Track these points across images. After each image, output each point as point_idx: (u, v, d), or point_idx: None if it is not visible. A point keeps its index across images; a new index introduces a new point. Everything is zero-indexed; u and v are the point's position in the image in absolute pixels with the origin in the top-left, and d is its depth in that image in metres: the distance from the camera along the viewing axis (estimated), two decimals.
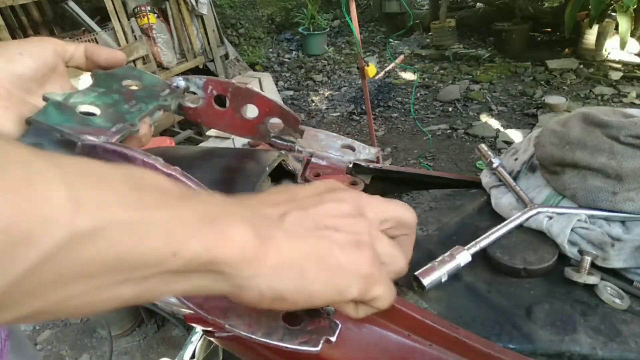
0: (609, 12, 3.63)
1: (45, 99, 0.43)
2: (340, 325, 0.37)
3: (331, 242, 0.31)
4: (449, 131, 3.16)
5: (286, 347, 0.34)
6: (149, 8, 2.94)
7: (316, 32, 4.94)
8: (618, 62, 3.64)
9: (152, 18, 2.95)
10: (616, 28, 3.46)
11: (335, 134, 0.71)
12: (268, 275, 0.28)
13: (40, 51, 0.44)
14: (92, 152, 0.40)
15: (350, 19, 1.99)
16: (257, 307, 0.30)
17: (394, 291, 0.35)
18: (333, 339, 0.36)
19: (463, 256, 0.48)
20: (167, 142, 2.08)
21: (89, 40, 2.64)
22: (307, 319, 0.37)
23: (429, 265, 0.47)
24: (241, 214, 0.28)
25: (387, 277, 0.34)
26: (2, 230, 0.18)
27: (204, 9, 3.16)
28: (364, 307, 0.34)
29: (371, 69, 2.08)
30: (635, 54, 3.67)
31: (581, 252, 0.49)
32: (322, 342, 0.35)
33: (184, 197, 0.27)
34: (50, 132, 0.43)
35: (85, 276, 0.22)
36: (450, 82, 3.88)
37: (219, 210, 0.27)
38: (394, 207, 0.37)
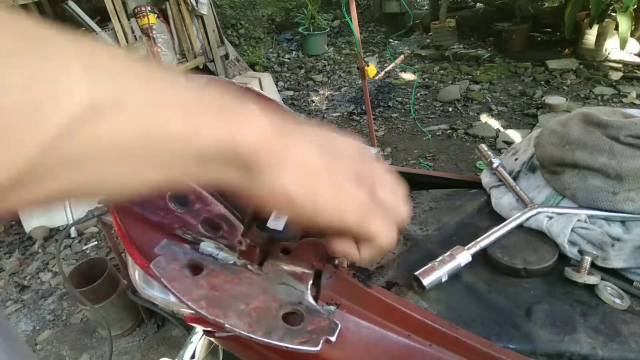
0: (609, 12, 3.63)
1: None
2: (340, 325, 0.37)
3: (340, 167, 0.32)
4: (449, 131, 3.16)
5: (286, 347, 0.34)
6: (149, 8, 2.94)
7: (316, 32, 4.94)
8: (618, 62, 3.64)
9: (152, 18, 2.95)
10: (616, 28, 3.45)
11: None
12: (282, 172, 0.29)
13: None
14: None
15: (350, 19, 1.99)
16: (267, 206, 0.31)
17: (394, 233, 0.36)
18: (333, 338, 0.36)
19: (463, 256, 0.48)
20: None
21: None
22: (307, 318, 0.37)
23: (429, 265, 0.47)
24: (260, 110, 0.28)
25: (388, 217, 0.35)
26: (22, 95, 0.18)
27: (204, 9, 3.16)
28: (365, 247, 0.35)
29: (371, 69, 2.08)
30: (635, 54, 3.67)
31: (581, 252, 0.49)
32: (322, 341, 0.35)
33: (201, 87, 0.27)
34: None
35: (112, 152, 0.22)
36: (450, 82, 3.88)
37: (237, 103, 0.28)
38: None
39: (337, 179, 0.32)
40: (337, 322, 0.37)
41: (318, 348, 0.35)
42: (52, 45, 0.20)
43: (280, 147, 0.28)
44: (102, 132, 0.21)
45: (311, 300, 0.41)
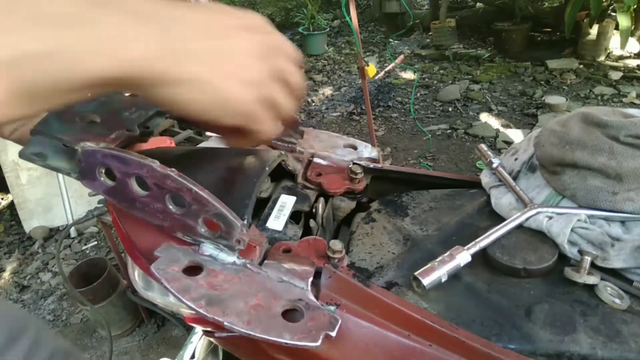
0: (609, 12, 3.63)
1: None
2: (340, 321, 0.38)
3: (232, 73, 0.37)
4: (449, 131, 3.16)
5: (285, 343, 0.34)
6: None
7: (316, 32, 4.94)
8: (618, 62, 3.64)
9: None
10: (616, 28, 3.45)
11: (337, 134, 0.71)
12: (178, 88, 0.34)
13: None
14: (92, 156, 0.41)
15: (350, 19, 1.99)
16: (168, 108, 0.37)
17: (276, 128, 0.43)
18: (333, 334, 0.36)
19: (463, 256, 0.48)
20: (166, 142, 2.07)
21: None
22: (307, 315, 0.37)
23: (429, 265, 0.47)
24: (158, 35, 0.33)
25: (273, 115, 0.42)
26: None
27: None
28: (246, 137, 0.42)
29: (371, 69, 2.08)
30: (635, 54, 3.67)
31: (581, 252, 0.49)
32: (321, 337, 0.35)
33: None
34: (52, 140, 0.44)
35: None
36: (450, 82, 3.88)
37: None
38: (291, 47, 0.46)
39: (226, 88, 0.37)
40: (337, 317, 0.37)
41: (318, 343, 0.35)
42: None
43: (174, 69, 0.33)
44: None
45: (311, 297, 0.41)
